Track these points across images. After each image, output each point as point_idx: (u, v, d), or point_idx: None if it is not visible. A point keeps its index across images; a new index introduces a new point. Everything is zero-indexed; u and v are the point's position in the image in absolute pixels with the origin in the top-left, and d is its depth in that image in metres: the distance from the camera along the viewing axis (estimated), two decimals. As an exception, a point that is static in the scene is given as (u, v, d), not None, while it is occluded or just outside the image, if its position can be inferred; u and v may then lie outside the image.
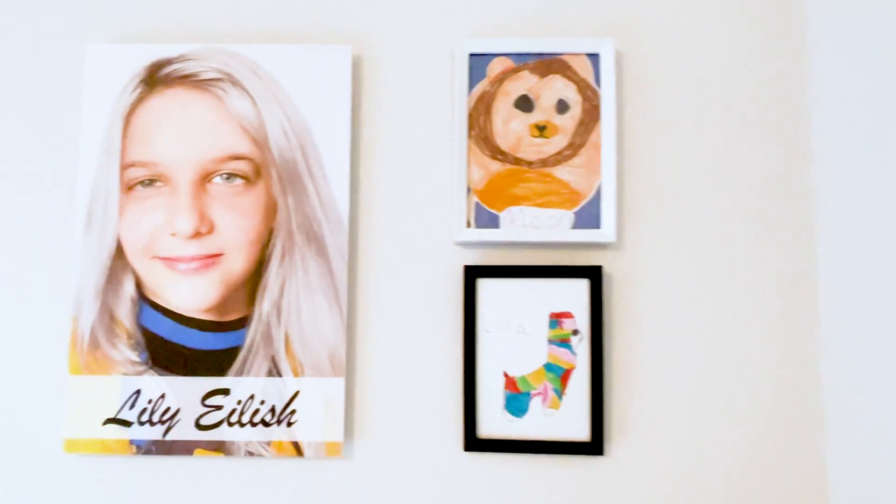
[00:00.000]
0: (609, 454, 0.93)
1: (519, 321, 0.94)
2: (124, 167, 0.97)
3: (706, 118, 0.98)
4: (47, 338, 0.98)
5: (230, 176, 0.96)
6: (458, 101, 0.96)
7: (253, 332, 0.94)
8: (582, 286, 0.94)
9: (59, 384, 0.97)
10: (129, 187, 0.96)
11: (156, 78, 0.98)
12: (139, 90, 0.98)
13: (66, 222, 0.99)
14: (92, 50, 0.98)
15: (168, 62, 0.98)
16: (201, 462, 0.95)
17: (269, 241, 0.95)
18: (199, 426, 0.93)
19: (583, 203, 0.95)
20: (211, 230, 0.95)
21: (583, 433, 0.93)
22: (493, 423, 0.93)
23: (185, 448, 0.93)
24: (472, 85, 0.97)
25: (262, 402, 0.94)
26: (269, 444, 0.93)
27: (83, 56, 1.01)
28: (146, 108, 0.97)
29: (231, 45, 0.98)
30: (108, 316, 0.95)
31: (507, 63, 0.97)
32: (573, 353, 0.93)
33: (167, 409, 0.94)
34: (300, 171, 0.96)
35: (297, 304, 0.94)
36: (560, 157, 0.96)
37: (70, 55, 1.01)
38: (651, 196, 0.97)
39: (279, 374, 0.94)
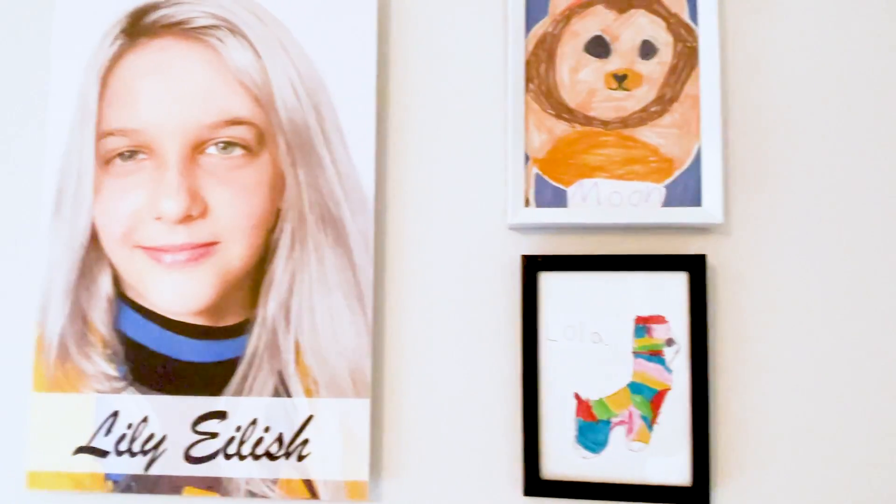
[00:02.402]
0: (716, 502, 0.71)
1: (594, 328, 0.72)
2: (101, 136, 0.78)
3: (839, 59, 0.74)
4: (8, 347, 0.80)
5: (227, 145, 0.77)
6: (513, 47, 0.75)
7: (255, 341, 0.75)
8: (678, 282, 0.72)
9: (22, 404, 0.79)
10: (106, 161, 0.78)
11: (139, 27, 0.79)
12: (119, 42, 0.80)
13: (32, 206, 0.81)
14: (62, -6, 0.81)
15: (154, 7, 0.80)
16: (192, 503, 0.76)
17: (275, 225, 0.76)
18: (189, 458, 0.74)
19: (677, 174, 0.73)
20: (204, 213, 0.76)
21: (681, 475, 0.70)
22: (561, 459, 0.72)
23: (172, 485, 0.74)
24: (530, 25, 0.76)
25: (267, 429, 0.74)
26: (275, 482, 0.73)
27: (52, 3, 0.83)
28: (127, 64, 0.79)
29: (229, -16, 0.79)
30: (80, 320, 0.77)
31: (576, -4, 0.76)
32: (667, 369, 0.71)
33: (150, 437, 0.75)
34: (313, 138, 0.76)
35: (310, 304, 0.75)
36: (646, 115, 0.74)
37: (37, 2, 0.84)
38: (768, 163, 0.74)
39: (288, 394, 0.74)
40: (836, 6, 0.75)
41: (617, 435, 0.71)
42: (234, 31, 0.78)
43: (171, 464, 0.75)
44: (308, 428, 0.74)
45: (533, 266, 0.73)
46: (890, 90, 0.73)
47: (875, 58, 0.74)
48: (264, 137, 0.77)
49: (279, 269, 0.75)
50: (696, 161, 0.73)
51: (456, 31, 0.79)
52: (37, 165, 0.82)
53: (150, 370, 0.76)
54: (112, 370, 0.76)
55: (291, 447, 0.74)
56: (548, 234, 0.75)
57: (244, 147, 0.76)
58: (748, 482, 0.71)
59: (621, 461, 0.71)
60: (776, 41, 0.75)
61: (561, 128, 0.75)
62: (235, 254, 0.76)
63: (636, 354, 0.72)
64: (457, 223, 0.77)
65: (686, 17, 0.75)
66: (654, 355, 0.72)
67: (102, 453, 0.75)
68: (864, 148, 0.73)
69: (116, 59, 0.79)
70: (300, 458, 0.73)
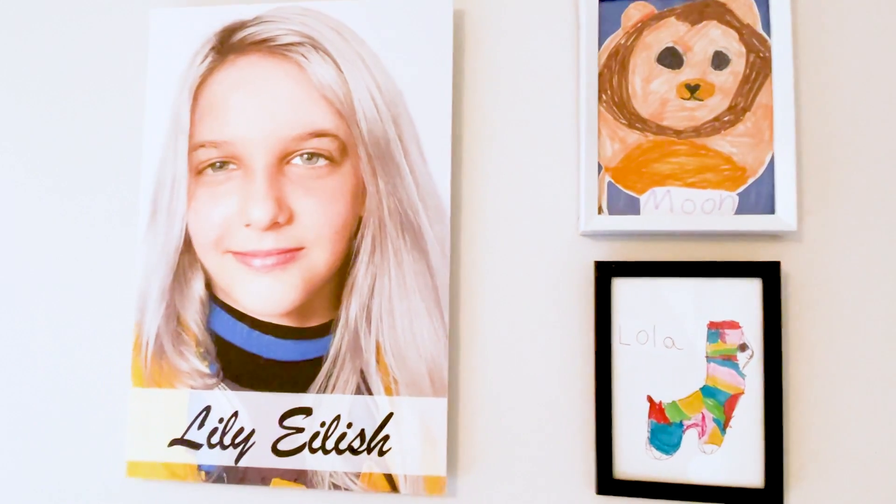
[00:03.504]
0: (788, 506, 0.72)
1: (667, 332, 0.74)
2: (193, 148, 0.84)
3: (915, 69, 0.75)
4: (108, 345, 0.86)
5: (312, 156, 0.81)
6: (586, 59, 0.78)
7: (339, 341, 0.79)
8: (752, 288, 0.73)
9: (121, 398, 0.85)
10: (198, 171, 0.83)
11: (228, 44, 0.84)
12: (210, 59, 0.85)
13: (129, 213, 0.87)
14: (156, 15, 0.86)
15: (242, 26, 0.84)
16: (279, 494, 0.81)
17: (357, 231, 0.80)
18: (276, 451, 0.79)
19: (750, 182, 0.75)
20: (290, 220, 0.80)
21: (754, 477, 0.72)
22: (634, 460, 0.74)
23: (261, 477, 0.79)
24: (603, 38, 0.78)
25: (350, 425, 0.78)
26: (357, 476, 0.77)
27: (147, 23, 0.89)
28: (217, 80, 0.84)
29: (311, 3, 0.83)
30: (174, 320, 0.82)
31: (648, 8, 0.78)
32: (740, 374, 0.73)
33: (240, 430, 0.80)
34: (393, 149, 0.80)
35: (389, 307, 0.78)
36: (718, 125, 0.76)
37: (132, 22, 0.90)
38: (841, 171, 0.75)
39: (369, 392, 0.78)
40: (911, 14, 0.75)
41: (689, 437, 0.73)
42: (317, 47, 0.82)
43: (259, 457, 0.79)
44: (388, 425, 0.77)
45: (606, 272, 0.76)
46: (967, 97, 0.74)
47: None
48: (346, 148, 0.81)
49: (360, 273, 0.79)
50: (770, 169, 0.74)
51: (530, 43, 0.81)
52: (134, 176, 0.88)
53: (239, 368, 0.80)
54: (204, 367, 0.81)
55: (373, 443, 0.77)
56: (620, 241, 0.78)
57: (327, 158, 0.81)
58: (821, 485, 0.72)
59: (693, 463, 0.73)
60: (849, 51, 0.76)
61: (633, 137, 0.77)
62: (319, 259, 0.80)
63: (709, 359, 0.73)
64: (530, 230, 0.79)
65: (759, 27, 0.76)
66: (727, 360, 0.73)
67: (196, 445, 0.80)
68: (940, 155, 0.73)
69: (207, 75, 0.84)
70: (381, 453, 0.77)
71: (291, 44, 0.83)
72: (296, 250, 0.80)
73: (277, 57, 0.83)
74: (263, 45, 0.83)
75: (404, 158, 0.80)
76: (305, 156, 0.81)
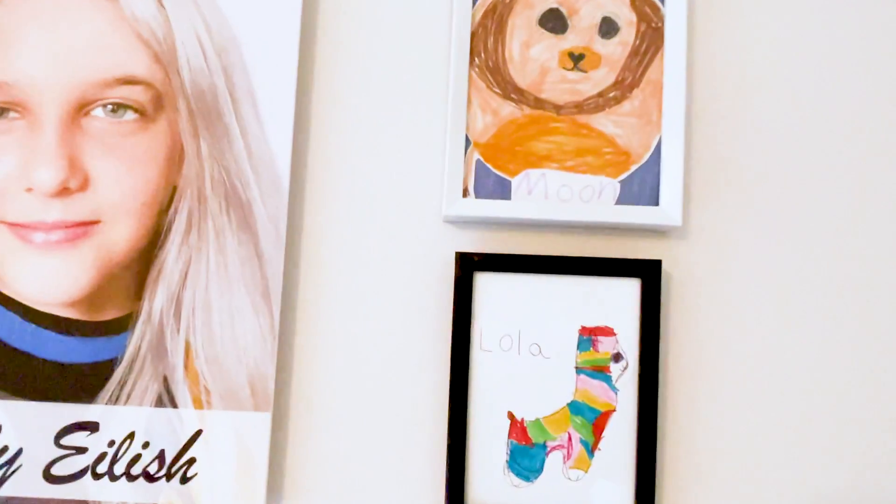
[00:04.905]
0: (660, 540, 0.63)
1: (534, 338, 0.64)
2: (-36, 89, 0.66)
3: (815, 48, 0.68)
4: None
5: (117, 107, 0.65)
6: (458, 17, 0.66)
7: (138, 340, 0.64)
8: (629, 289, 0.64)
9: None
10: (-31, 118, 0.66)
11: (19, -37, 0.67)
12: (-7, -21, 0.67)
13: None
14: (-75, -84, 0.68)
15: (38, -59, 0.67)
16: (50, 531, 0.64)
17: (169, 204, 0.65)
18: (49, 477, 0.63)
19: (634, 168, 0.65)
20: (84, 185, 0.64)
21: (623, 508, 0.62)
22: (489, 487, 0.63)
23: (28, 509, 0.62)
24: (478, -8, 0.67)
25: (146, 445, 0.63)
26: (153, 508, 0.62)
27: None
28: (3, 7, 0.67)
29: (130, -80, 0.67)
30: (-79, 307, 0.64)
31: (531, -38, 0.67)
32: (613, 388, 0.63)
33: (3, 450, 0.63)
34: (221, 106, 0.66)
35: (205, 299, 0.64)
36: (602, 101, 0.66)
37: None
38: (733, 161, 0.67)
39: (173, 404, 0.63)
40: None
41: (553, 461, 0.63)
42: (133, -26, 0.67)
43: (27, 484, 0.62)
44: (196, 445, 0.63)
45: (468, 265, 0.64)
46: (862, 92, 0.67)
47: (851, 59, 0.68)
48: (162, 101, 0.65)
49: (171, 256, 0.64)
50: (656, 155, 0.65)
51: (394, -7, 0.69)
52: None
53: (6, 370, 0.63)
54: (-40, 369, 0.64)
55: (174, 467, 0.62)
56: (487, 230, 0.66)
57: (137, 111, 0.65)
58: (697, 517, 0.64)
59: (557, 491, 0.63)
60: (748, 26, 0.68)
61: (508, 110, 0.66)
62: (119, 236, 0.64)
63: (579, 370, 0.63)
64: (384, 212, 0.67)
65: (651, -6, 0.67)
66: (599, 371, 0.63)
67: (-57, 469, 0.63)
68: (833, 152, 0.67)
69: (-11, -1, 0.67)
70: (184, 479, 0.62)
71: (101, -32, 0.67)
72: (90, 224, 0.64)
73: (82, -17, 0.67)
74: (65, -32, 0.67)
75: (235, 119, 0.66)
76: (109, 107, 0.65)
